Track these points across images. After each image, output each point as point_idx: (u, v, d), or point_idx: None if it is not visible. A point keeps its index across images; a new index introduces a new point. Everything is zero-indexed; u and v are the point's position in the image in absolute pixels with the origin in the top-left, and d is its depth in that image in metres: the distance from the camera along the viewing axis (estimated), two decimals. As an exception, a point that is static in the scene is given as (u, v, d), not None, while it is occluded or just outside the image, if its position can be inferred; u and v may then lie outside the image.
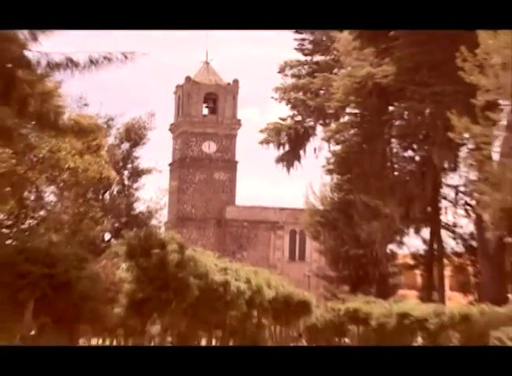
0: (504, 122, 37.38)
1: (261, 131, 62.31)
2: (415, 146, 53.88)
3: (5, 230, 32.68)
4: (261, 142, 61.98)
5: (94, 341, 24.32)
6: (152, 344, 30.67)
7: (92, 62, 12.04)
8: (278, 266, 73.09)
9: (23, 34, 11.65)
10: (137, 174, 53.06)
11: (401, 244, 57.05)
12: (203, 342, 19.13)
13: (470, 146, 42.20)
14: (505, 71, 32.68)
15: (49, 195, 36.61)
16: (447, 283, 55.60)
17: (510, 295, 47.61)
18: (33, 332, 10.66)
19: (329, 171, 56.82)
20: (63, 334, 11.82)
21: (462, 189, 52.97)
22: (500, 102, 36.52)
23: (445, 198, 54.79)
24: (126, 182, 51.98)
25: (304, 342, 16.90)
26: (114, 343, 21.34)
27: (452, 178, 53.70)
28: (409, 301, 45.85)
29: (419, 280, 60.51)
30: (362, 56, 49.52)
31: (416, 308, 34.20)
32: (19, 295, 9.83)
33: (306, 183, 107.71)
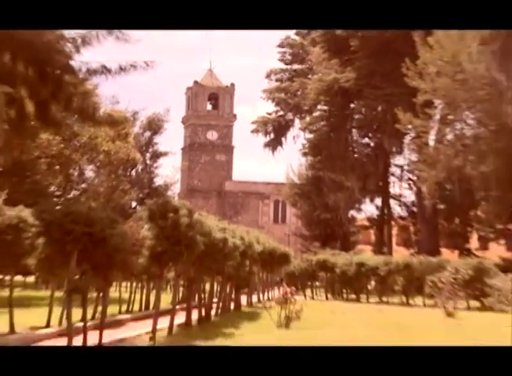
0: (438, 116, 37.53)
1: (253, 123, 62.36)
2: (370, 135, 53.94)
3: (55, 199, 32.70)
4: (252, 132, 62.05)
5: (124, 284, 24.33)
6: (169, 286, 30.79)
7: (121, 68, 11.96)
8: (265, 227, 73.02)
9: (68, 47, 11.60)
10: (156, 156, 53.02)
11: (359, 210, 57.29)
12: (208, 285, 19.14)
13: (412, 134, 42.27)
14: (438, 78, 32.71)
15: (89, 172, 36.65)
16: (394, 239, 55.86)
17: (441, 249, 47.85)
18: (77, 276, 10.69)
19: (305, 154, 56.76)
20: (100, 278, 11.88)
21: (406, 167, 53.16)
22: (435, 101, 36.59)
23: (393, 175, 54.96)
24: (148, 162, 51.93)
25: (284, 285, 17.06)
26: (139, 285, 21.37)
27: (399, 160, 53.93)
28: (365, 254, 46.06)
29: (372, 237, 60.63)
30: (329, 66, 49.35)
31: (370, 258, 34.33)
32: (66, 248, 9.84)
33: (287, 163, 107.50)
